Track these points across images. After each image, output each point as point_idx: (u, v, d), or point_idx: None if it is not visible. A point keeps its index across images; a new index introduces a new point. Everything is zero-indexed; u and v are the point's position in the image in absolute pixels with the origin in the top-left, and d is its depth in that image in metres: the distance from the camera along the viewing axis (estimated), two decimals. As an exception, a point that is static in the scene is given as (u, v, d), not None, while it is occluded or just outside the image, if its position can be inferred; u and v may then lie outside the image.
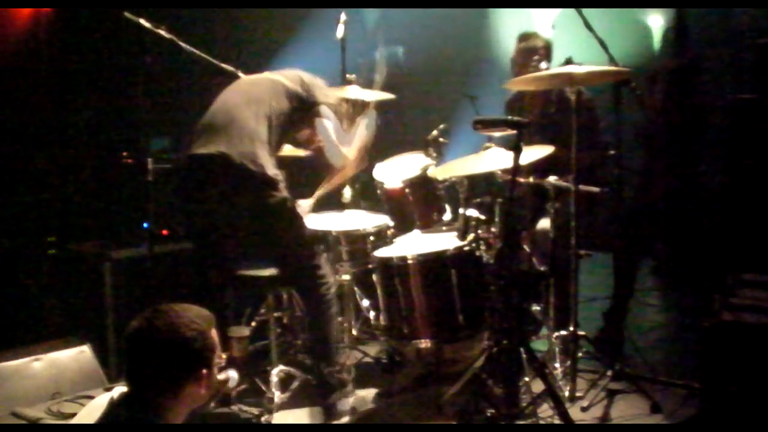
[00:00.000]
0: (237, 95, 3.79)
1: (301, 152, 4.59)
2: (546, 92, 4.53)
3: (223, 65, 4.17)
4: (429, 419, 3.70)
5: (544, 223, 4.19)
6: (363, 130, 4.10)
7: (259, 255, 3.86)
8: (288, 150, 4.45)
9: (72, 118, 5.34)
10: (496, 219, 4.03)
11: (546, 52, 4.54)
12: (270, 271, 3.81)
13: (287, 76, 3.86)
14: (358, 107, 4.21)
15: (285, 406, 3.84)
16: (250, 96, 3.75)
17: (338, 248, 4.25)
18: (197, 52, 4.06)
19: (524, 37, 4.65)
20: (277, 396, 3.83)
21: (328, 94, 3.91)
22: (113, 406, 2.13)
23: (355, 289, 4.40)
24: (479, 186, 4.29)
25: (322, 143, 3.93)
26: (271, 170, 3.61)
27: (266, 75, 3.93)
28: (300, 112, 3.83)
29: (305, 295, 3.80)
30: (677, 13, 4.93)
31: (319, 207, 4.30)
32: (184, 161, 3.74)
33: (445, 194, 4.33)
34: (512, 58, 4.67)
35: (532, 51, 4.50)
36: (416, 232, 4.23)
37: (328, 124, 3.87)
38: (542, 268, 4.06)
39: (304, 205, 4.19)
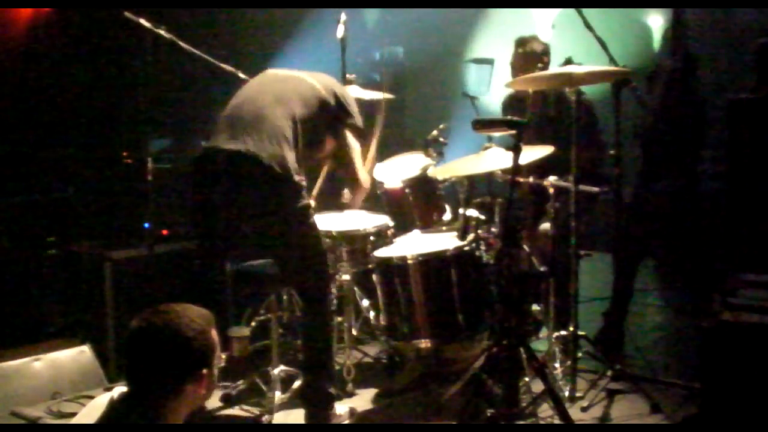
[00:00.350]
0: (265, 91, 3.67)
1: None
2: (544, 93, 4.52)
3: (223, 65, 4.17)
4: (429, 419, 3.70)
5: (545, 225, 4.20)
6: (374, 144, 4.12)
7: (271, 258, 3.79)
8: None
9: (72, 119, 5.34)
10: (496, 219, 4.04)
11: (545, 57, 4.53)
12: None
13: (321, 82, 3.75)
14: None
15: (285, 406, 3.84)
16: (279, 94, 3.63)
17: (338, 248, 4.25)
18: (197, 52, 4.06)
19: (522, 42, 4.63)
20: (278, 396, 3.83)
21: (357, 114, 3.83)
22: (113, 406, 2.13)
23: (355, 289, 4.40)
24: (479, 186, 4.29)
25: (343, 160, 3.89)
26: (297, 176, 3.52)
27: (298, 74, 3.80)
28: (325, 122, 3.73)
29: (311, 304, 3.68)
30: (674, 13, 4.92)
31: (319, 207, 4.30)
32: (205, 152, 3.63)
33: (445, 194, 4.33)
34: (511, 62, 4.65)
35: (531, 56, 4.49)
36: (416, 232, 4.23)
37: (355, 145, 3.83)
38: (542, 268, 4.06)
39: None
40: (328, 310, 3.67)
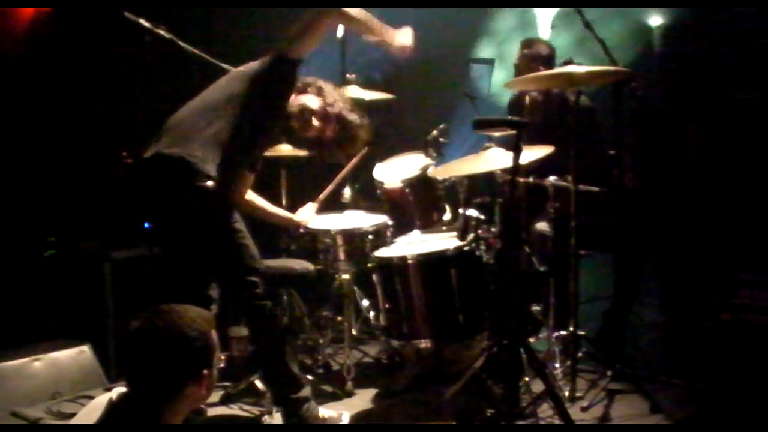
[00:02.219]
0: (196, 99, 3.60)
1: (302, 152, 4.59)
2: (548, 99, 4.49)
3: (223, 65, 4.16)
4: (429, 419, 3.70)
5: (541, 225, 4.19)
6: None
7: (198, 268, 3.64)
8: (288, 150, 4.46)
9: (72, 118, 5.33)
10: (496, 219, 4.04)
11: (550, 60, 4.50)
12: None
13: (247, 65, 3.65)
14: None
15: (285, 406, 3.83)
16: (206, 95, 3.57)
17: (337, 248, 4.25)
18: (197, 52, 4.06)
19: (528, 44, 4.60)
20: (277, 396, 3.82)
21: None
22: (113, 406, 2.12)
23: (355, 289, 4.40)
24: (479, 186, 4.29)
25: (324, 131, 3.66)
26: (209, 166, 3.33)
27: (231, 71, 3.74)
28: (265, 90, 3.53)
29: (244, 313, 3.62)
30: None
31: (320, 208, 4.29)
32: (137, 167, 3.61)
33: (445, 194, 4.33)
34: (515, 63, 4.63)
35: (536, 58, 4.47)
36: (416, 232, 4.23)
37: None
38: (542, 268, 4.06)
39: (308, 208, 4.18)
40: (261, 318, 3.49)
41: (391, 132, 5.44)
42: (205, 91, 3.64)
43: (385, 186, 4.38)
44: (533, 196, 4.13)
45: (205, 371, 2.15)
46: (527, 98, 4.48)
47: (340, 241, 4.19)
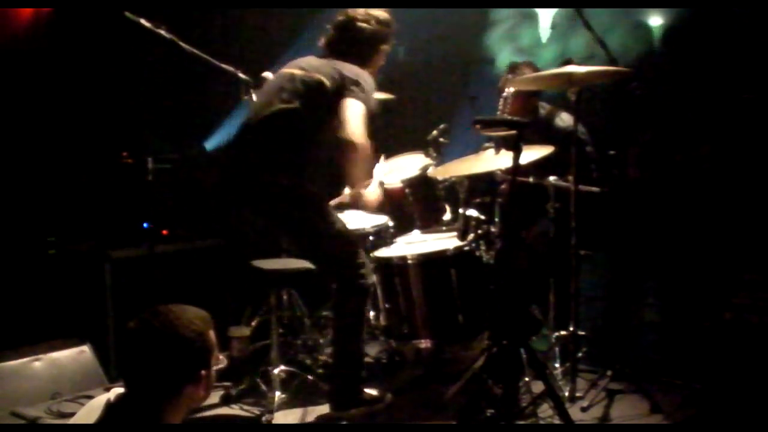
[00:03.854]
0: (262, 93, 3.77)
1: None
2: (535, 124, 4.38)
3: (223, 65, 4.17)
4: (429, 419, 3.70)
5: (540, 227, 4.17)
6: None
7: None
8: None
9: (72, 118, 5.33)
10: (496, 219, 4.04)
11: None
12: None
13: (308, 67, 3.71)
14: None
15: (285, 406, 3.84)
16: (270, 92, 3.71)
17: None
18: (197, 52, 4.06)
19: (513, 70, 4.37)
20: (277, 396, 3.83)
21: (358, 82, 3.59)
22: (111, 407, 2.12)
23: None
24: (479, 186, 4.28)
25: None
26: (285, 173, 3.54)
27: (286, 69, 3.78)
28: (317, 103, 3.60)
29: (339, 292, 3.69)
30: None
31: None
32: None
33: (445, 194, 4.32)
34: (499, 90, 4.29)
35: (522, 93, 4.23)
36: (416, 232, 4.23)
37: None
38: (542, 268, 4.06)
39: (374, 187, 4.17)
40: (359, 292, 3.60)
41: (391, 132, 5.44)
42: (268, 85, 3.77)
43: (385, 186, 4.37)
44: (526, 196, 4.10)
45: (203, 372, 2.15)
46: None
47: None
